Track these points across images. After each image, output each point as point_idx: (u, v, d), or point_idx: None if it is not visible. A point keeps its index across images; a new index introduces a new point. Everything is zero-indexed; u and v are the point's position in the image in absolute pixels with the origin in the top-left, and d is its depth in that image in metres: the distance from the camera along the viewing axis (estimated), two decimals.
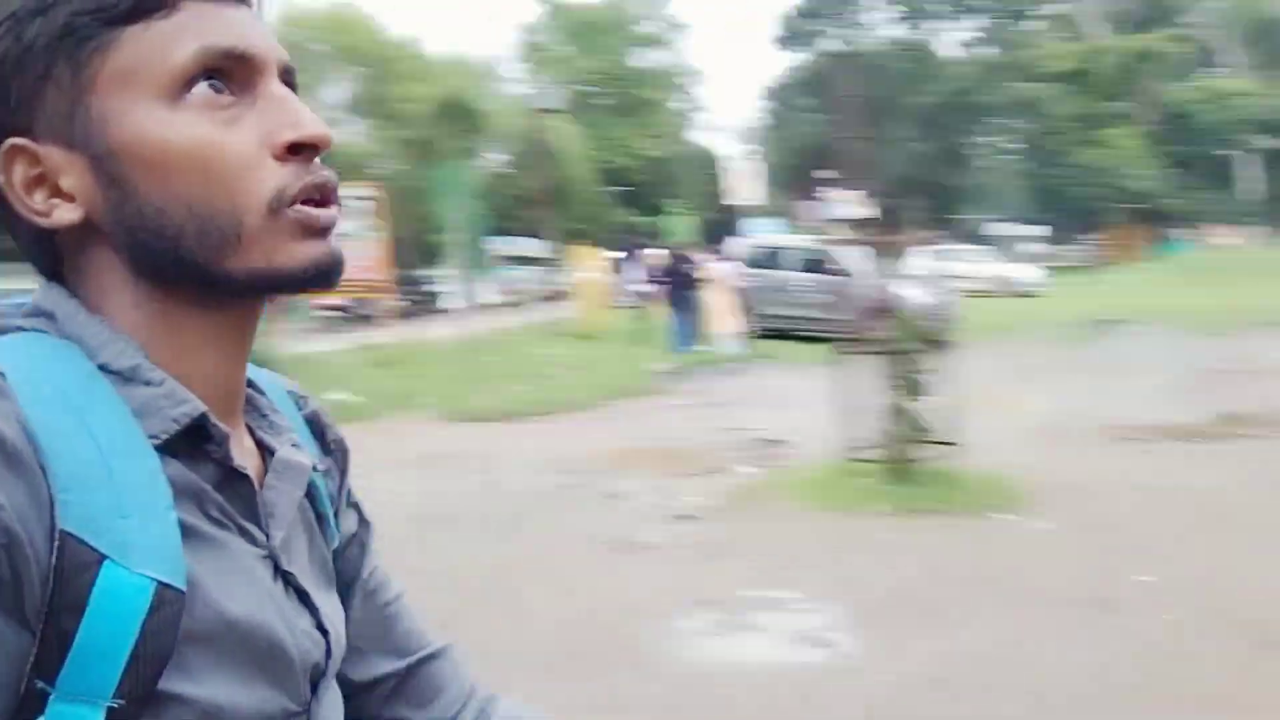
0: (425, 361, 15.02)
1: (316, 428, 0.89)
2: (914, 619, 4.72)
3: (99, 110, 0.68)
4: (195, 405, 0.69)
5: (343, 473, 0.90)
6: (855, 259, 15.89)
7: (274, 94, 0.70)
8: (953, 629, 4.57)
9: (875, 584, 5.20)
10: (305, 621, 0.75)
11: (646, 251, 21.49)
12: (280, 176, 0.69)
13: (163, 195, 0.68)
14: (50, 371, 0.65)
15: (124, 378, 0.68)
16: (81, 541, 0.61)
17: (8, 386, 0.62)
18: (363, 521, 0.92)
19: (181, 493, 0.67)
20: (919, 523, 6.22)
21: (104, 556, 0.61)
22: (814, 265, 18.37)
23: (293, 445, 0.80)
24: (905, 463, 6.90)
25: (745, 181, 34.22)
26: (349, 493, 0.91)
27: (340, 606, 0.83)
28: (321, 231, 0.71)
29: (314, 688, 0.75)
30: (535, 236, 34.77)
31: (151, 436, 0.67)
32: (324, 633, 0.77)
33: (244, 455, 0.75)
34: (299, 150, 0.69)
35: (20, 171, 0.69)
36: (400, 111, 37.92)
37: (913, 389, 6.81)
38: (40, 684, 0.59)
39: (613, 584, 5.39)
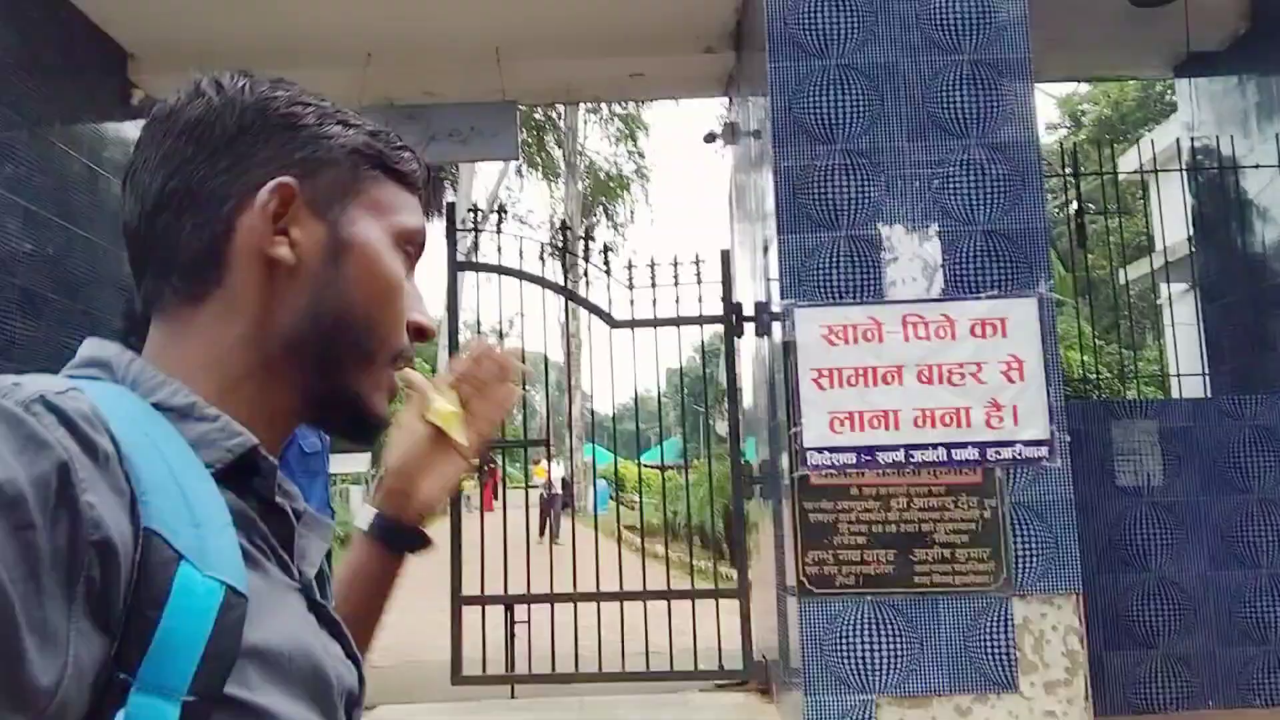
0: None
1: None
2: None
3: (353, 212, 0.84)
4: (248, 438, 0.75)
5: None
6: None
7: (414, 282, 0.90)
8: None
9: None
10: (337, 649, 0.79)
11: None
12: (405, 339, 0.87)
13: (358, 297, 0.83)
14: (119, 403, 0.70)
15: (180, 414, 0.74)
16: (163, 539, 0.64)
17: (92, 401, 0.66)
18: None
19: (234, 517, 0.71)
20: None
21: (182, 556, 0.64)
22: None
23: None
24: None
25: None
26: None
27: None
28: (392, 396, 0.87)
29: (349, 715, 0.79)
30: None
31: (206, 466, 0.71)
32: (355, 661, 0.81)
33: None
34: (417, 332, 0.88)
35: (273, 202, 0.80)
36: None
37: None
38: (123, 675, 0.61)
39: None
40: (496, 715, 5.48)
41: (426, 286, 0.97)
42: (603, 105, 28.52)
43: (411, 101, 6.57)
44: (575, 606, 5.94)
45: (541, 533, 15.84)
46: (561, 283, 6.60)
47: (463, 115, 6.52)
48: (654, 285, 6.58)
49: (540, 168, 30.83)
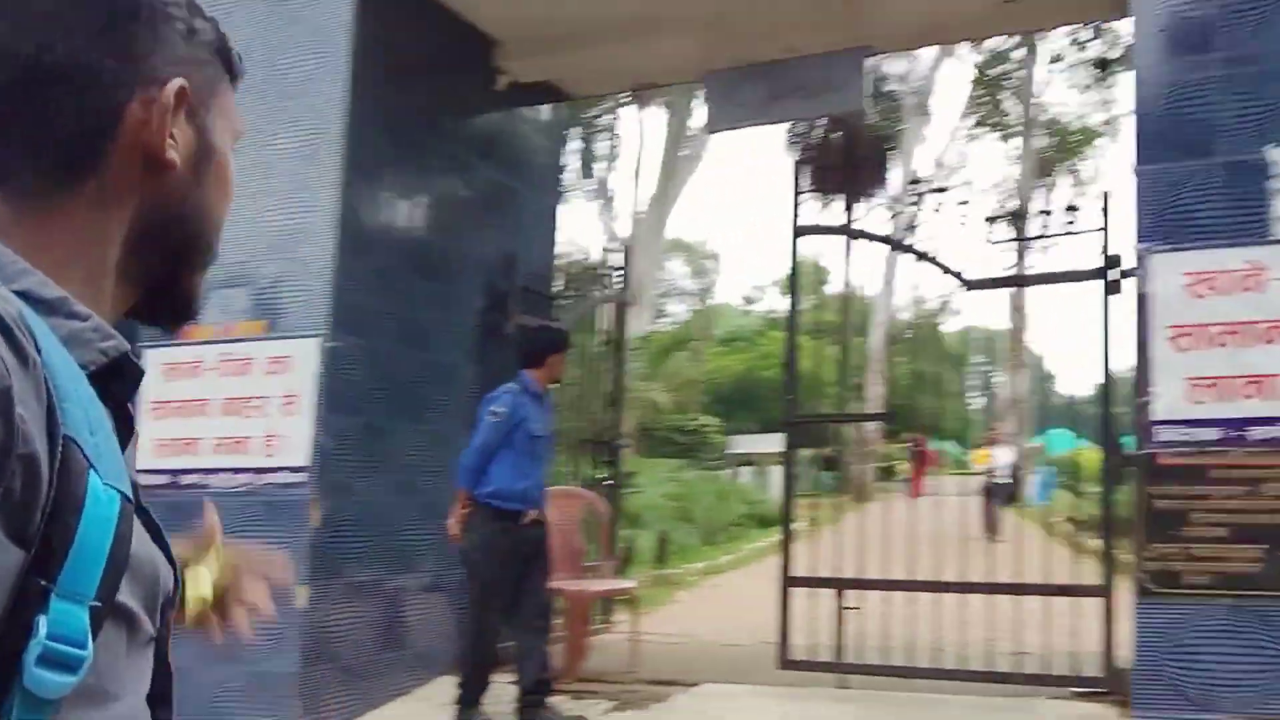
0: None
1: None
2: None
3: (214, 115, 0.85)
4: (122, 342, 0.74)
5: None
6: None
7: None
8: None
9: None
10: (159, 553, 0.76)
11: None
12: None
13: (215, 203, 0.86)
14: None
15: (49, 307, 0.70)
16: (79, 447, 0.64)
17: (18, 301, 0.65)
18: None
19: None
20: None
21: (91, 464, 0.64)
22: None
23: None
24: None
25: None
26: None
27: None
28: None
29: (163, 615, 0.76)
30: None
31: (81, 366, 0.69)
32: (174, 564, 0.79)
33: None
34: None
35: (171, 102, 0.80)
36: None
37: None
38: (42, 582, 0.61)
39: None
40: (818, 704, 5.13)
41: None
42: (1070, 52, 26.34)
43: (757, 59, 6.31)
44: (924, 595, 5.44)
45: (988, 528, 14.46)
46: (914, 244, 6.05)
47: (808, 69, 6.16)
48: (1019, 240, 5.87)
49: (994, 127, 29.20)
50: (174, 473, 5.40)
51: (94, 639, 0.63)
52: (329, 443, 5.21)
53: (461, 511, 4.99)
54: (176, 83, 0.79)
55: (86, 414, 0.66)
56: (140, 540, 0.70)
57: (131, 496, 0.68)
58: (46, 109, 0.76)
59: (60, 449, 0.62)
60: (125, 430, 0.75)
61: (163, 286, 0.85)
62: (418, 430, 5.73)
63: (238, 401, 5.33)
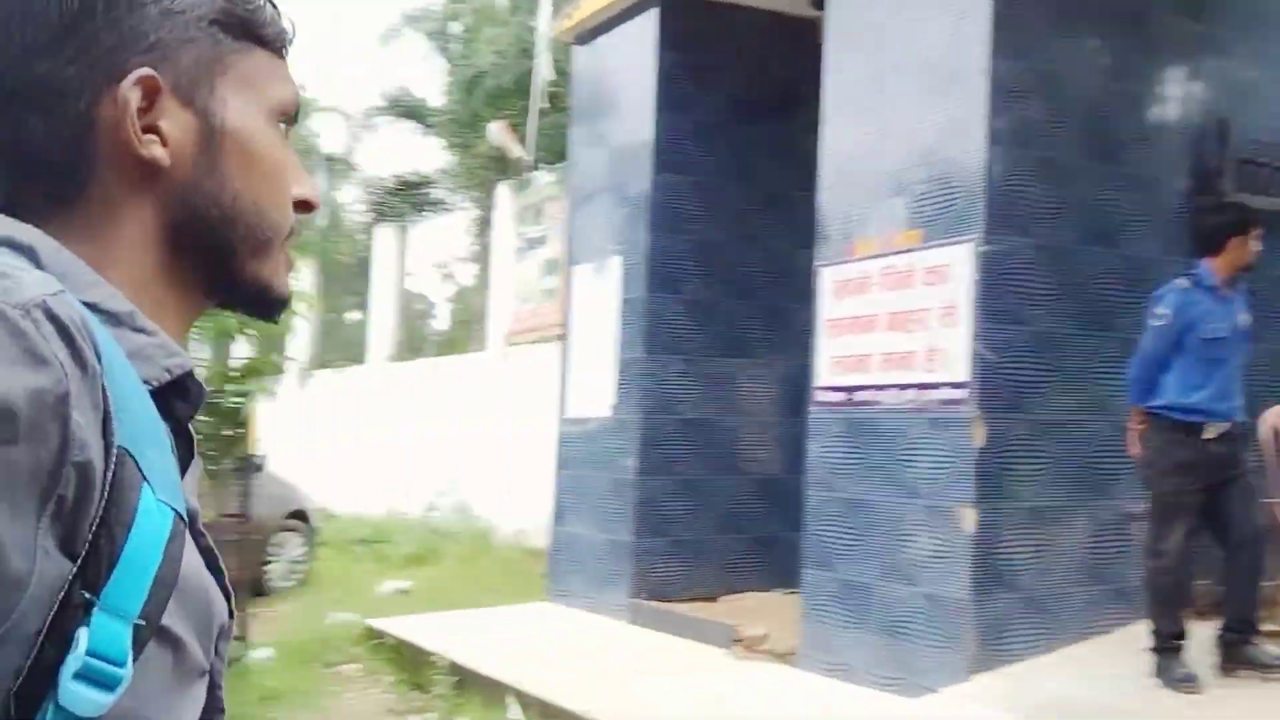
0: None
1: None
2: None
3: (222, 92, 0.78)
4: (187, 360, 0.73)
5: None
6: None
7: (292, 152, 0.84)
8: None
9: None
10: (212, 581, 0.75)
11: None
12: (293, 215, 0.83)
13: (244, 184, 0.78)
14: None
15: (116, 320, 0.70)
16: (133, 460, 0.63)
17: (81, 307, 0.64)
18: None
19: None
20: None
21: (145, 478, 0.64)
22: None
23: None
24: None
25: None
26: None
27: None
28: (289, 270, 0.84)
29: (217, 649, 0.76)
30: None
31: (144, 382, 0.69)
32: (227, 595, 0.78)
33: None
34: (302, 205, 0.84)
35: (137, 98, 0.74)
36: None
37: None
38: (86, 595, 0.61)
39: None
40: None
41: None
42: None
43: None
44: None
45: None
46: None
47: None
48: None
49: None
50: (849, 389, 5.40)
51: (135, 660, 0.62)
52: (991, 356, 4.78)
53: (1138, 427, 4.51)
54: (135, 75, 0.73)
55: (145, 429, 0.65)
56: (193, 565, 0.68)
57: (186, 517, 0.66)
58: (19, 132, 0.73)
59: (114, 460, 0.61)
60: (186, 452, 0.74)
61: (225, 281, 0.81)
62: (1105, 339, 4.99)
63: (900, 316, 5.15)
